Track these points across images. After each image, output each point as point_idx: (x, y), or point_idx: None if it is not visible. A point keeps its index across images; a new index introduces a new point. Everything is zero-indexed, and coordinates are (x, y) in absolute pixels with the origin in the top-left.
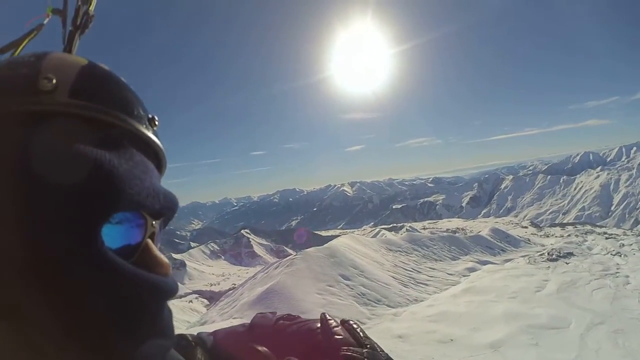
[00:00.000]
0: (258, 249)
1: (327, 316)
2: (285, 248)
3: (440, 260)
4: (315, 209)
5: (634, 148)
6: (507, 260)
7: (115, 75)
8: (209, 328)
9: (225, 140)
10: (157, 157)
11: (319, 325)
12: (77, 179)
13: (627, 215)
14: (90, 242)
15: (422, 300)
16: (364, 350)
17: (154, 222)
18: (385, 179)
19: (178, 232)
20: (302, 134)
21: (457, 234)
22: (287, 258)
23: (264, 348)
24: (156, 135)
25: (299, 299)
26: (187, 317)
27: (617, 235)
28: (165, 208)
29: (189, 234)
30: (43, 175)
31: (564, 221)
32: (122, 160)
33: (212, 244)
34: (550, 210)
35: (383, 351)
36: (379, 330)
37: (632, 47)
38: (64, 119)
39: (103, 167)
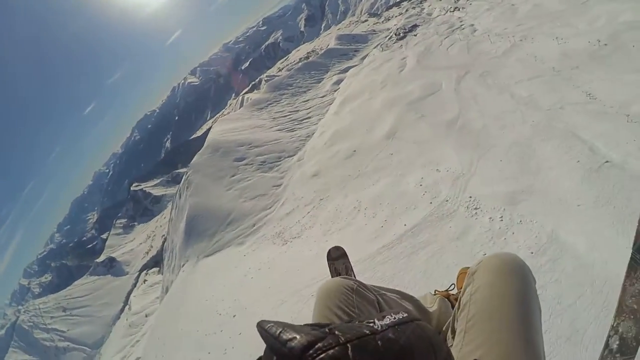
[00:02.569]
0: (157, 191)
1: None
2: (178, 171)
3: (309, 90)
4: (177, 118)
5: None
6: (363, 58)
7: None
8: (179, 288)
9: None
10: None
11: None
12: None
13: None
14: None
15: (313, 133)
16: None
17: None
18: (220, 46)
19: (84, 239)
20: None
21: (310, 58)
22: (182, 182)
23: None
24: None
25: (216, 209)
26: (152, 296)
27: None
28: None
29: (94, 231)
30: None
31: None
32: None
33: (117, 222)
34: None
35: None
36: (295, 181)
37: None
38: None
39: None
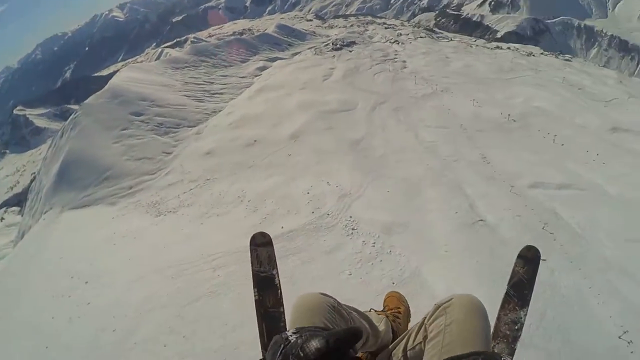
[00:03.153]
0: (40, 122)
1: None
2: (69, 106)
3: (231, 66)
4: (87, 49)
5: None
6: (295, 54)
7: None
8: (36, 236)
9: None
10: None
11: None
12: None
13: (405, 9)
14: None
15: (221, 110)
16: None
17: None
18: None
19: None
20: None
21: (244, 36)
22: (69, 120)
23: None
24: None
25: (96, 158)
26: (6, 238)
27: (395, 25)
28: None
29: None
30: None
31: (347, 13)
32: None
33: None
34: (334, 3)
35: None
36: (187, 153)
37: None
38: None
39: None
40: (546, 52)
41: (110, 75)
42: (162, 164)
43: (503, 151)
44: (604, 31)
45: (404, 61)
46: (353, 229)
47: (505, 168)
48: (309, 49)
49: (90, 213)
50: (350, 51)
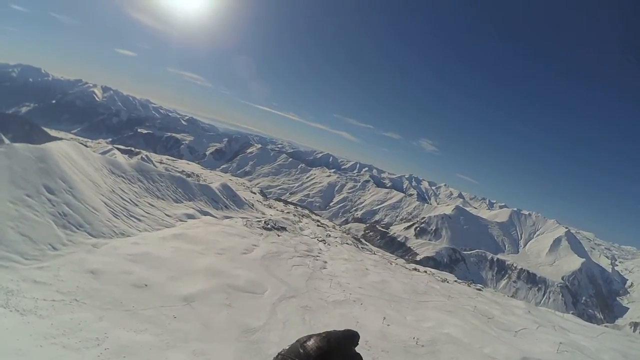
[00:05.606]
0: None
1: None
2: (4, 137)
3: (163, 199)
4: (54, 102)
5: (366, 168)
6: (227, 217)
7: None
8: None
9: None
10: None
11: None
12: None
13: (340, 214)
14: None
15: (130, 236)
16: None
17: None
18: (143, 98)
19: None
20: (76, 7)
21: (189, 178)
22: None
23: None
24: None
25: None
26: None
27: (327, 226)
28: None
29: None
30: None
31: (289, 200)
32: None
33: None
34: (281, 187)
35: None
36: (71, 260)
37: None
38: None
39: None
40: (460, 280)
41: (57, 138)
42: (41, 255)
43: None
44: (514, 265)
45: (325, 262)
46: None
47: None
48: (241, 218)
49: None
50: (279, 235)
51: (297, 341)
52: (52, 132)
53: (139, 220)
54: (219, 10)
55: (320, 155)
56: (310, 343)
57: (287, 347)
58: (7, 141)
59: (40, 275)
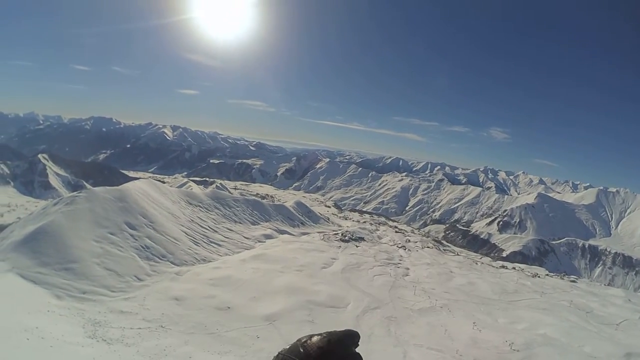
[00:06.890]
0: (54, 180)
1: None
2: (85, 183)
3: (240, 223)
4: (129, 146)
5: (438, 167)
6: (304, 234)
7: None
8: None
9: (43, 42)
10: None
11: None
12: None
13: (417, 217)
14: None
15: (210, 261)
16: None
17: None
18: (211, 131)
19: None
20: (135, 59)
21: (264, 200)
22: (70, 195)
23: None
24: None
25: (71, 245)
26: None
27: (406, 231)
28: None
29: None
30: None
31: (364, 209)
32: None
33: (2, 165)
34: (354, 197)
35: None
36: (156, 289)
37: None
38: None
39: None
40: (551, 273)
41: (133, 179)
42: (127, 286)
43: None
44: (608, 249)
45: (407, 268)
46: None
47: None
48: (318, 232)
49: (32, 291)
50: (357, 246)
51: (297, 341)
52: (130, 174)
53: (219, 245)
54: (270, 39)
55: (390, 160)
56: (311, 343)
57: (288, 347)
58: (88, 186)
59: (126, 306)
